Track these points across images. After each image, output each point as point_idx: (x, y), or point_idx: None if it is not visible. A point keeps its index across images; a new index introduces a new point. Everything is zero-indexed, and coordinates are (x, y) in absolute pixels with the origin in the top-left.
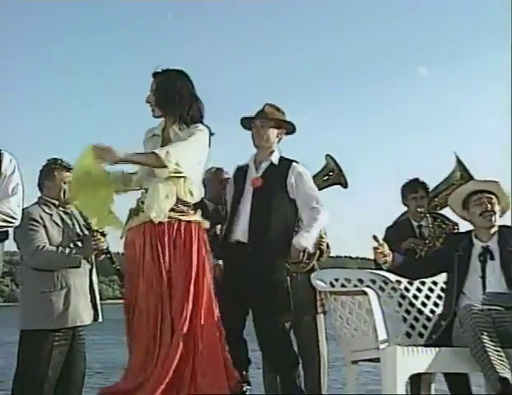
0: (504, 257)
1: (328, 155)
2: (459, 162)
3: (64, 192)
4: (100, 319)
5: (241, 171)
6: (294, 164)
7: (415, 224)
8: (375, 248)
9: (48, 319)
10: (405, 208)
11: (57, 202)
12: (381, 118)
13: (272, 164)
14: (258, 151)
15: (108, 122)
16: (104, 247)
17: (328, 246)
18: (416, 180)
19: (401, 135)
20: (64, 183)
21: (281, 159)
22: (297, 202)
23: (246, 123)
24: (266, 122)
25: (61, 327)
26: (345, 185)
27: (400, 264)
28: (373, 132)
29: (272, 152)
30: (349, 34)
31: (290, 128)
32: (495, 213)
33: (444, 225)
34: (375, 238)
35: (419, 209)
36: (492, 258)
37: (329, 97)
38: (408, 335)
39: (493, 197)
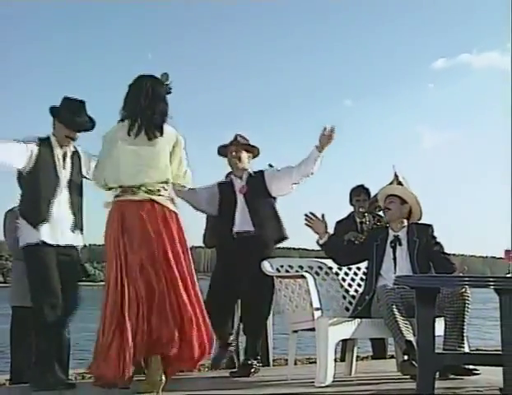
0: (410, 245)
1: None
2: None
3: None
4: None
5: (226, 184)
6: (264, 171)
7: (358, 220)
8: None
9: (26, 298)
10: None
11: None
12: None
13: (250, 175)
14: (234, 170)
15: None
16: None
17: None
18: (361, 186)
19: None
20: None
21: (255, 171)
22: (280, 181)
23: (222, 150)
24: (240, 147)
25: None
26: None
27: (337, 250)
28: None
29: (246, 169)
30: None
31: (256, 152)
32: (390, 210)
33: (379, 223)
34: (312, 213)
35: (361, 209)
36: (400, 244)
37: (267, 124)
38: (337, 309)
39: (395, 199)
